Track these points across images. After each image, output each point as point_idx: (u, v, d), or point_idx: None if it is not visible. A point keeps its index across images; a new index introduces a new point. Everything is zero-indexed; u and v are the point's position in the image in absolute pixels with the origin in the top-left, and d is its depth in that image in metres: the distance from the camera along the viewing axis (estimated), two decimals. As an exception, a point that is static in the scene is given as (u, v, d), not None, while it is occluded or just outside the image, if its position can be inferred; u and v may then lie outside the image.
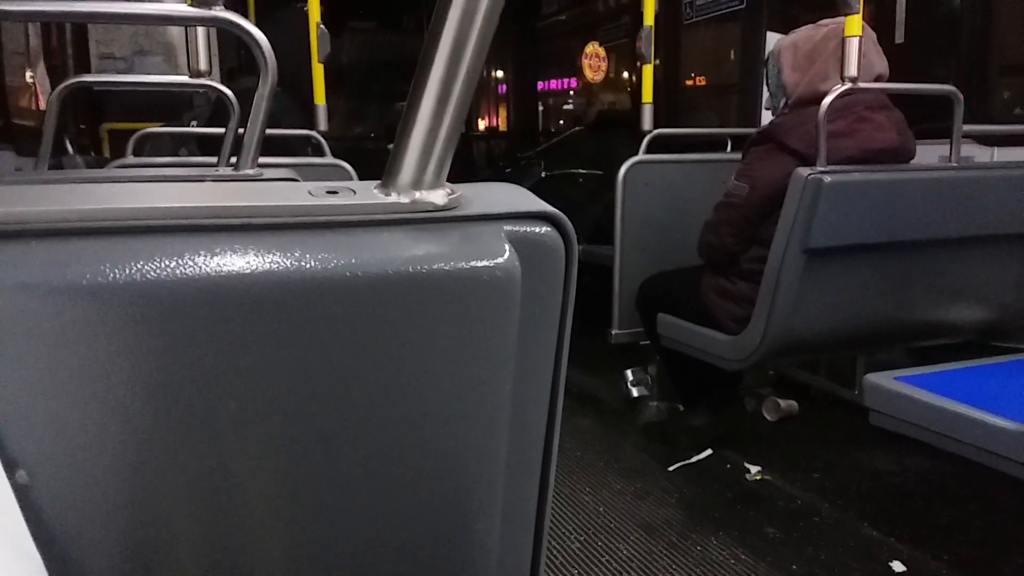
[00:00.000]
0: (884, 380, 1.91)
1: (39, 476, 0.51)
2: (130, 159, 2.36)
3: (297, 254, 0.54)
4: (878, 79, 2.22)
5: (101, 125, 4.37)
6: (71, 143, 3.56)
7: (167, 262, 0.51)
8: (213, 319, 0.52)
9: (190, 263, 0.52)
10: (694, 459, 2.54)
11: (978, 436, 1.68)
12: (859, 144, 2.16)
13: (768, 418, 2.87)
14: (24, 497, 0.50)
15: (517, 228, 0.62)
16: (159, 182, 1.51)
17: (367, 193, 0.60)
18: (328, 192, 0.59)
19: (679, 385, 2.85)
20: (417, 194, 0.60)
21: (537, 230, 0.63)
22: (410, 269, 0.57)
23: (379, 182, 0.61)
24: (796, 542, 2.03)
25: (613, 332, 2.98)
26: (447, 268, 0.58)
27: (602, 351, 3.06)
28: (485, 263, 0.59)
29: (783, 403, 2.86)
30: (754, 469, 2.44)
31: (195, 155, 3.15)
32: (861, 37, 2.01)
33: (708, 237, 2.42)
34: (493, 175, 5.60)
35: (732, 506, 2.24)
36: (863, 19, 2.14)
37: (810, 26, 2.31)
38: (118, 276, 0.50)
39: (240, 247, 0.53)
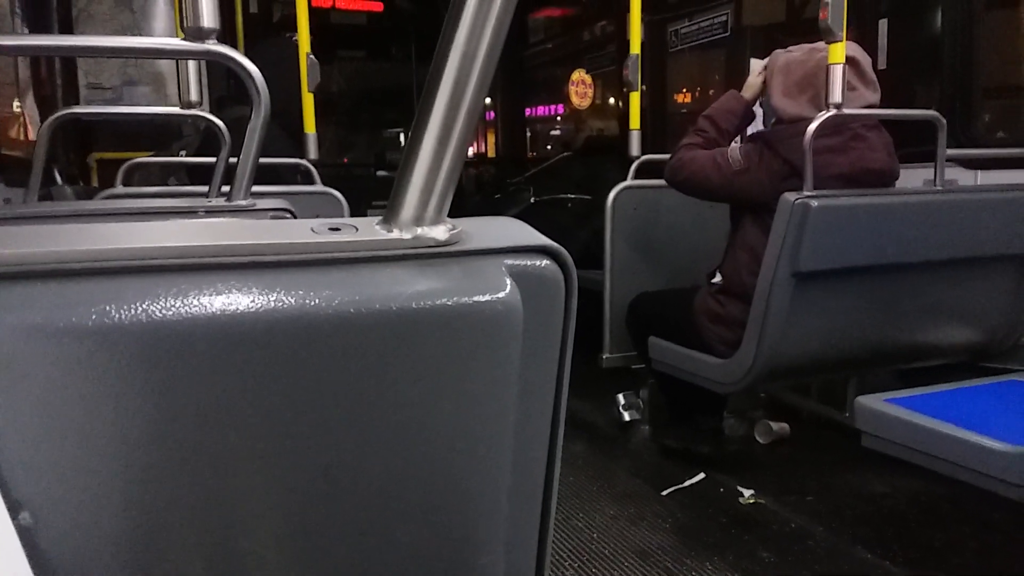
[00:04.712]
0: (875, 402, 1.92)
1: (43, 518, 0.51)
2: (119, 189, 2.35)
3: (301, 291, 0.55)
4: (869, 107, 2.25)
5: (89, 155, 4.36)
6: (60, 173, 3.55)
7: (173, 301, 0.51)
8: (218, 357, 0.53)
9: (196, 302, 0.52)
10: (687, 483, 2.53)
11: (969, 457, 1.69)
12: (851, 161, 2.19)
13: (760, 441, 2.87)
14: (28, 539, 0.49)
15: (518, 262, 0.63)
16: (158, 215, 1.51)
17: (369, 229, 0.61)
18: (331, 229, 0.60)
19: (672, 408, 2.85)
20: (419, 230, 0.61)
21: (537, 263, 0.63)
22: (413, 304, 0.57)
23: (381, 218, 0.62)
24: (791, 566, 2.02)
25: (604, 356, 2.99)
26: (449, 303, 0.58)
27: (593, 375, 3.07)
28: (487, 297, 0.59)
29: (775, 426, 2.86)
30: (747, 492, 2.44)
31: (184, 184, 3.14)
32: (845, 64, 2.04)
33: (683, 169, 2.42)
34: (482, 201, 5.62)
35: (726, 530, 2.24)
36: (858, 46, 2.18)
37: (804, 49, 2.30)
38: (124, 316, 0.50)
39: (245, 285, 0.54)
